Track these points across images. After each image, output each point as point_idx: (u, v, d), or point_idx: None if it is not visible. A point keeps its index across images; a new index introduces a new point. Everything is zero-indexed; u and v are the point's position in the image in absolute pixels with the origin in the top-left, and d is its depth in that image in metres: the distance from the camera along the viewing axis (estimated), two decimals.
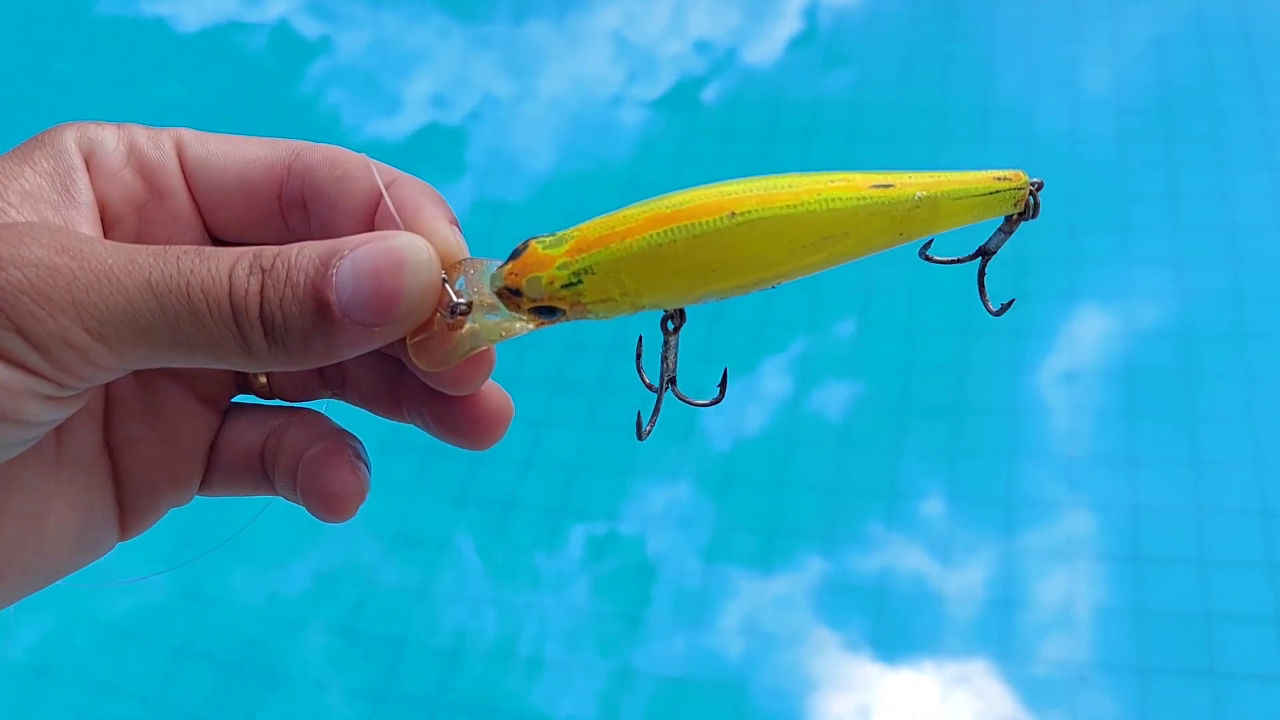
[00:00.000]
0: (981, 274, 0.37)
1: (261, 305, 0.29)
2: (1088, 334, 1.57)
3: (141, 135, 0.35)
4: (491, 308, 0.32)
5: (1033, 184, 0.34)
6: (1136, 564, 1.34)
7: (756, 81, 2.01)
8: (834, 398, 1.55)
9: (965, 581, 1.35)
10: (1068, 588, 1.33)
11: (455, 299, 0.31)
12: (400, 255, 0.30)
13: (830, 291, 1.68)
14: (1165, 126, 1.79)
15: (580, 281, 0.32)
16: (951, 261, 0.37)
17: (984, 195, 0.33)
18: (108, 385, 0.33)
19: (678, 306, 0.33)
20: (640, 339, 0.36)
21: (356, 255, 0.30)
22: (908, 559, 1.38)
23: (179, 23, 2.26)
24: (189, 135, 0.36)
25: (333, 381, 0.37)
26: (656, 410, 0.36)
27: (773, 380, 1.58)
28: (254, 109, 2.13)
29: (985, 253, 0.37)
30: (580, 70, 2.09)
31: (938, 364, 1.56)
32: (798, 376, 1.59)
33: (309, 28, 2.22)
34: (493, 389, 0.35)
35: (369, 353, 0.31)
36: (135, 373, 0.34)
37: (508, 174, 1.95)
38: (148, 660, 1.40)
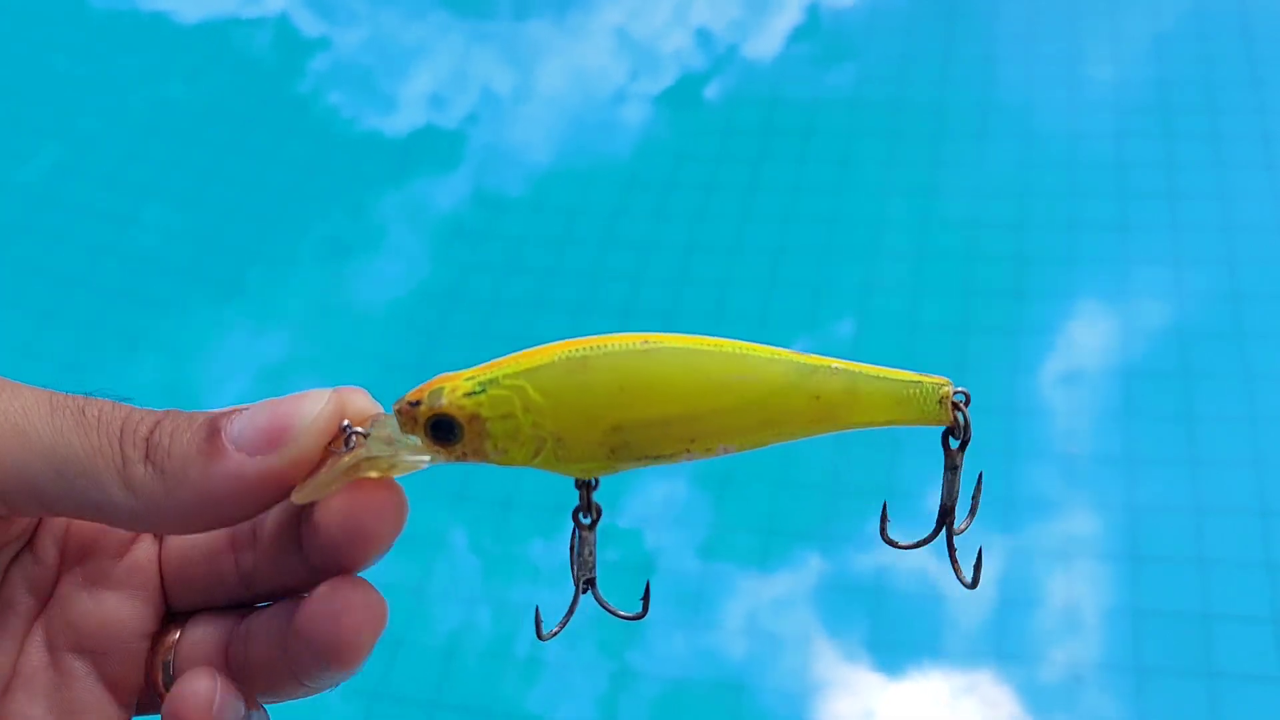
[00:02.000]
0: (950, 543, 0.34)
1: (152, 430, 0.29)
2: (1086, 332, 1.57)
3: None
4: (388, 442, 0.30)
5: (956, 391, 0.31)
6: (1135, 563, 1.34)
7: (756, 78, 2.01)
8: None
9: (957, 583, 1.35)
10: (1066, 587, 1.33)
11: (351, 428, 0.30)
12: (300, 396, 0.30)
13: (830, 289, 1.68)
14: (1164, 125, 1.79)
15: (483, 390, 0.30)
16: (915, 545, 0.35)
17: (903, 385, 0.32)
18: (17, 660, 0.32)
19: (585, 454, 0.31)
20: (574, 531, 0.34)
21: (259, 403, 0.29)
22: (909, 558, 1.38)
23: (177, 19, 2.26)
24: None
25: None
26: (570, 611, 0.34)
27: None
28: (253, 106, 2.12)
29: (945, 513, 0.34)
30: (580, 66, 2.09)
31: (936, 362, 1.56)
32: None
33: (308, 24, 2.22)
34: (367, 597, 0.31)
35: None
36: (47, 651, 0.32)
37: (507, 170, 1.94)
38: None
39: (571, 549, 0.33)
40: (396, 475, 0.30)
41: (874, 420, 0.32)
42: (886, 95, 1.94)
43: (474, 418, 0.29)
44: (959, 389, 0.31)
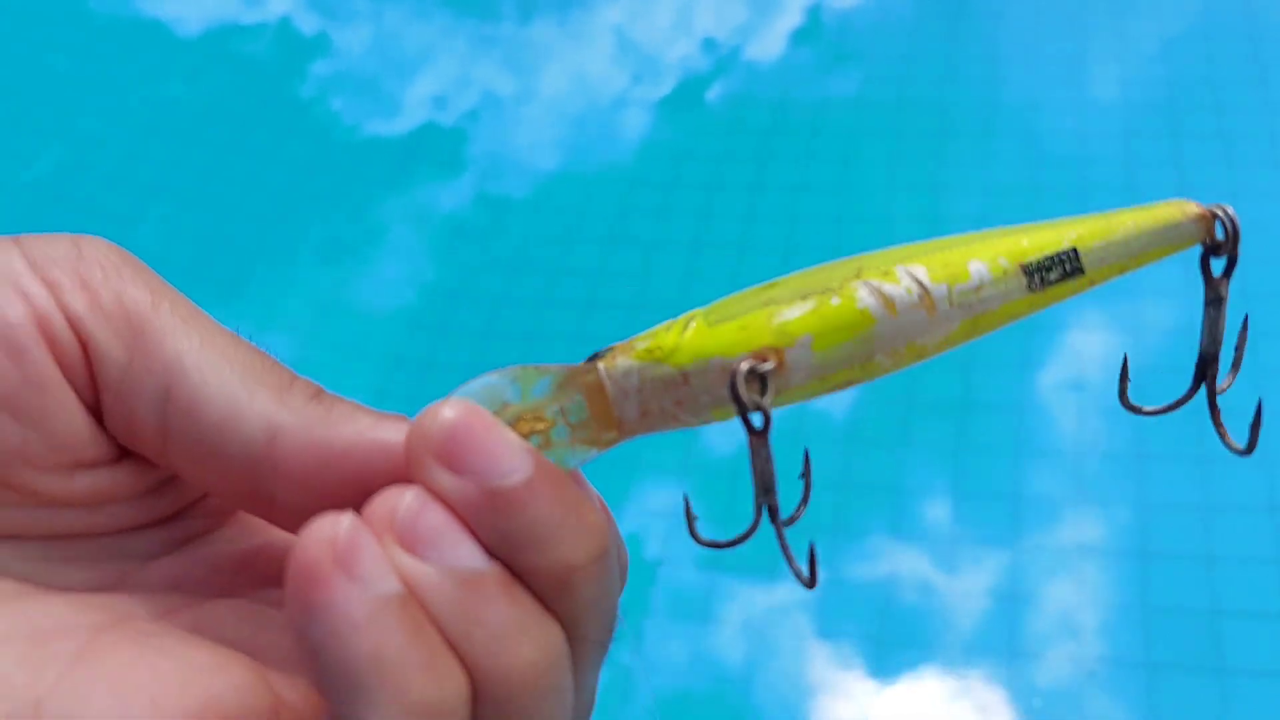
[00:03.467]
0: (1212, 398, 0.29)
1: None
2: (1094, 329, 1.56)
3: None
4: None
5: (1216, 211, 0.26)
6: (1144, 560, 1.33)
7: (760, 79, 2.01)
8: (837, 399, 1.54)
9: (972, 580, 1.35)
10: (1075, 584, 1.33)
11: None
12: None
13: None
14: (1171, 124, 1.78)
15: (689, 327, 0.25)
16: (1169, 409, 0.29)
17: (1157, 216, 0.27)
18: None
19: (745, 303, 0.26)
20: (686, 498, 0.29)
21: None
22: (912, 558, 1.38)
23: (180, 20, 2.26)
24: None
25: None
26: (785, 547, 0.27)
27: None
28: (256, 107, 2.13)
29: (1206, 362, 0.28)
30: (583, 68, 2.09)
31: (944, 360, 1.55)
32: None
33: (310, 26, 2.22)
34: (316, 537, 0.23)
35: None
36: None
37: (510, 173, 1.94)
38: None
39: (752, 463, 0.27)
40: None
41: (1088, 227, 0.27)
42: (892, 94, 1.94)
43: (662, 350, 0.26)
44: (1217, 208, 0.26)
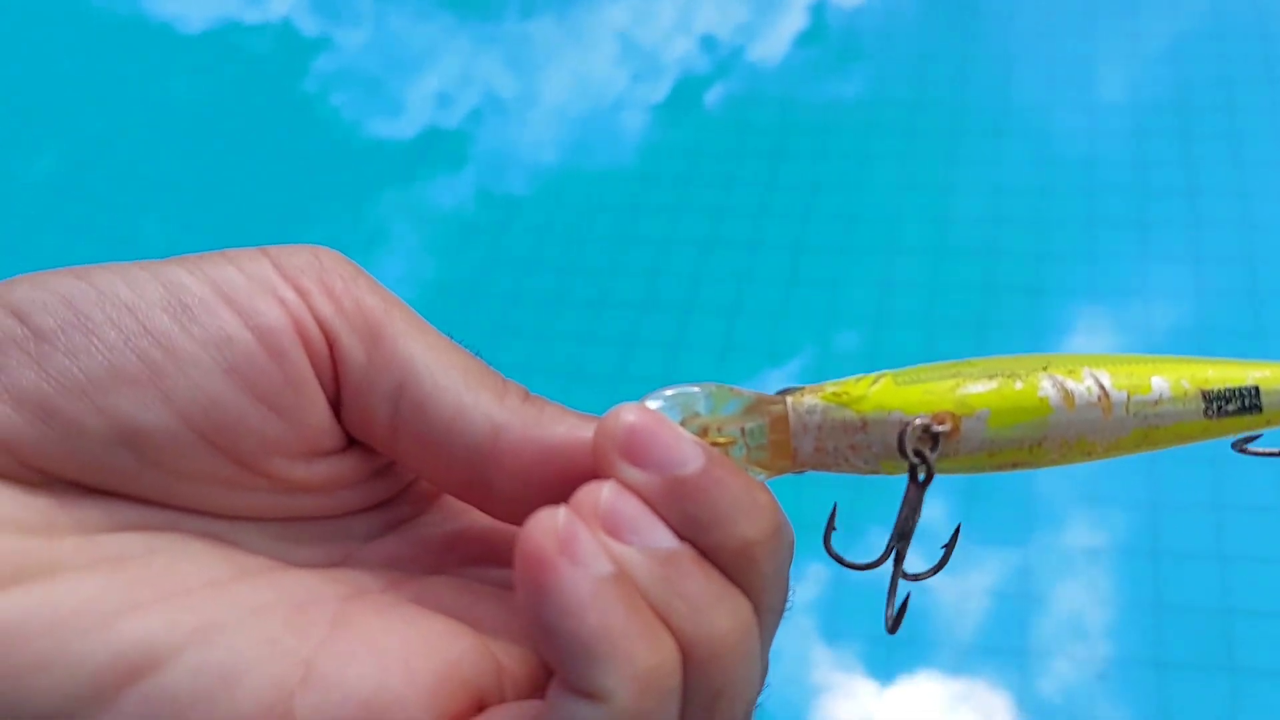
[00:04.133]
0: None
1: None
2: (1105, 330, 1.56)
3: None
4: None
5: None
6: (1155, 559, 1.33)
7: (769, 79, 2.01)
8: None
9: (979, 580, 1.35)
10: (1085, 584, 1.32)
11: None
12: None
13: (848, 286, 1.68)
14: (1182, 123, 1.78)
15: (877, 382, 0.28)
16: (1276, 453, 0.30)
17: None
18: None
19: (936, 371, 0.28)
20: (835, 506, 0.32)
21: None
22: (912, 559, 1.37)
23: (184, 20, 2.26)
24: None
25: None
26: (892, 592, 0.30)
27: (790, 380, 1.57)
28: (260, 107, 2.13)
29: None
30: (586, 68, 2.09)
31: (954, 358, 1.55)
32: (817, 375, 1.58)
33: (314, 25, 2.22)
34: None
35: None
36: None
37: (514, 171, 1.94)
38: None
39: (902, 513, 0.30)
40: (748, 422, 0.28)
41: (1273, 369, 0.28)
42: (904, 94, 1.94)
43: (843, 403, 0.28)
44: None
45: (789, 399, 0.27)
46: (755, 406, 0.27)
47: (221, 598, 0.24)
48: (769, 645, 0.28)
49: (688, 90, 2.02)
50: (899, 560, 0.29)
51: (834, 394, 0.27)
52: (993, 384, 0.27)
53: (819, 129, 1.90)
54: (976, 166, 1.80)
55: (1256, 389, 0.27)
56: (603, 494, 0.24)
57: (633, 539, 0.24)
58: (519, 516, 0.25)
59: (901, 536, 0.29)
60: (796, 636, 1.33)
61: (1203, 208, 1.66)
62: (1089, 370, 0.27)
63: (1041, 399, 0.26)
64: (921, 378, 0.27)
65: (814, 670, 1.31)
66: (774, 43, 2.06)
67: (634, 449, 0.25)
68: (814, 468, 0.28)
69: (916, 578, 0.31)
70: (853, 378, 0.27)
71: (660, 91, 2.02)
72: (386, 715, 0.23)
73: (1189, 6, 1.96)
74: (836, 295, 1.67)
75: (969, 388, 0.27)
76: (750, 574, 0.25)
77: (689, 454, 0.25)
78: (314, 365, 0.26)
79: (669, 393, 0.27)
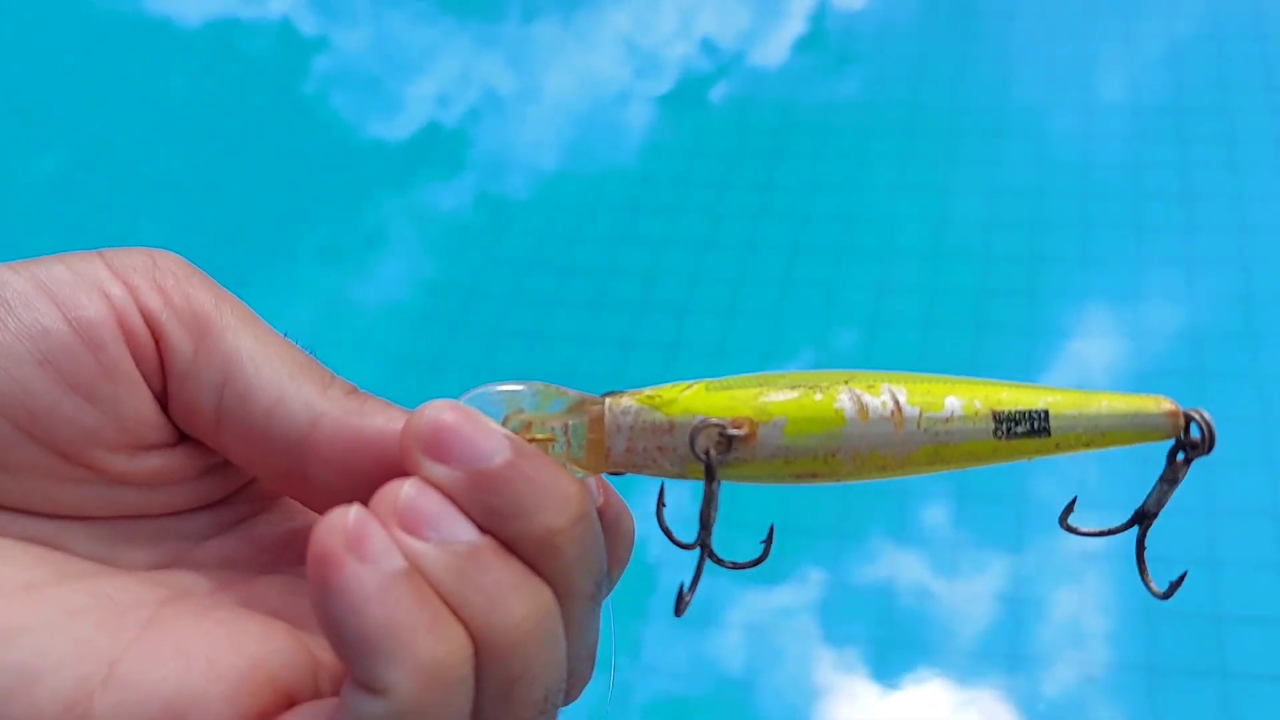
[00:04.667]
0: (1140, 546, 0.32)
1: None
2: (1099, 332, 1.56)
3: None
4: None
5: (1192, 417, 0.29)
6: (1148, 564, 1.33)
7: (769, 80, 2.01)
8: None
9: (975, 585, 1.35)
10: (1078, 588, 1.33)
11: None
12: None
13: (845, 288, 1.68)
14: (1179, 126, 1.78)
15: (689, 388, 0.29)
16: (1101, 534, 0.32)
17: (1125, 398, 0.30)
18: None
19: (743, 381, 0.28)
20: (662, 486, 0.33)
21: None
22: (915, 562, 1.38)
23: (183, 19, 2.27)
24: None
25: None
26: (696, 577, 0.31)
27: None
28: (261, 106, 2.13)
29: (1144, 517, 0.31)
30: (588, 68, 2.09)
31: (949, 362, 1.55)
32: None
33: (313, 25, 2.22)
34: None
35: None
36: None
37: (513, 172, 1.94)
38: None
39: (703, 506, 0.30)
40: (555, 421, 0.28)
41: (1065, 396, 0.30)
42: (902, 96, 1.94)
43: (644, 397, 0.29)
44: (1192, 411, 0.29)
45: (608, 400, 0.28)
46: (578, 406, 0.28)
47: (34, 600, 0.24)
48: (586, 633, 0.28)
49: (687, 91, 2.02)
50: (706, 549, 0.30)
51: (648, 397, 0.28)
52: (793, 394, 0.27)
53: (817, 130, 1.90)
54: (974, 168, 1.80)
55: (1046, 413, 0.28)
56: (402, 491, 0.25)
57: (430, 535, 0.24)
58: (349, 474, 0.26)
59: (704, 526, 0.30)
60: (797, 639, 1.34)
61: (1199, 211, 1.66)
62: (887, 386, 0.27)
63: (837, 410, 0.27)
64: (731, 386, 0.28)
65: (815, 673, 1.31)
66: (774, 45, 2.06)
67: (438, 445, 0.25)
68: (626, 469, 0.28)
69: (731, 565, 0.32)
70: (675, 384, 0.28)
71: (659, 93, 2.02)
72: (187, 714, 0.24)
73: (1186, 9, 1.96)
74: (833, 297, 1.67)
75: (770, 396, 0.27)
76: (554, 562, 0.26)
77: (494, 447, 0.25)
78: (136, 358, 0.26)
79: (493, 389, 0.27)
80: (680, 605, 0.31)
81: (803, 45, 2.05)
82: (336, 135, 2.03)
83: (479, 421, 0.26)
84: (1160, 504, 0.31)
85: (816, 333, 1.63)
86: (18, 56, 2.25)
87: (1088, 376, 1.51)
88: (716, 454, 0.28)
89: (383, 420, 0.27)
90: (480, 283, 1.79)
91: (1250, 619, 1.27)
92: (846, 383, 0.27)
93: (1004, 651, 1.29)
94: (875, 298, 1.66)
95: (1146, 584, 0.31)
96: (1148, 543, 0.31)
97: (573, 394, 0.28)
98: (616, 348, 1.65)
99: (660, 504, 0.33)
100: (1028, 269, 1.65)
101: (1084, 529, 0.32)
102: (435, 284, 1.80)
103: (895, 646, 1.32)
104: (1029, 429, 0.28)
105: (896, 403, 0.27)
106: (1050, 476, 1.42)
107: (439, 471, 0.25)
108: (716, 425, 0.27)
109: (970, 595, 1.33)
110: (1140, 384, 1.50)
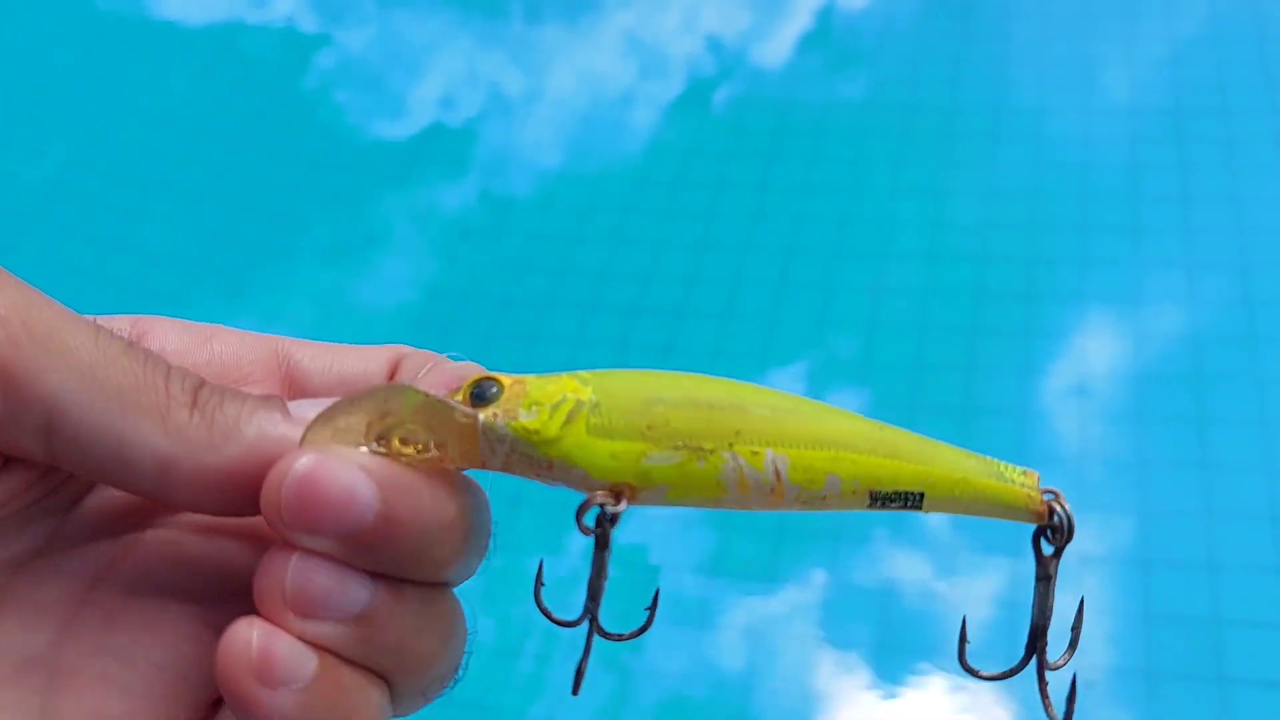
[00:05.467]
0: (1040, 670, 0.31)
1: (201, 383, 0.25)
2: (1098, 336, 1.56)
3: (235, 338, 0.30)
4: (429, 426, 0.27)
5: (1046, 491, 0.29)
6: (1145, 568, 1.33)
7: (767, 81, 2.01)
8: (843, 404, 1.54)
9: (974, 588, 1.35)
10: (1077, 591, 1.32)
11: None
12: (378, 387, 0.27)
13: (841, 290, 1.67)
14: (1177, 128, 1.78)
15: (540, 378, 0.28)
16: (1001, 676, 0.31)
17: (982, 460, 0.30)
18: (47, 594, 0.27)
19: (620, 425, 0.27)
20: (540, 565, 0.33)
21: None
22: (914, 564, 1.38)
23: (185, 17, 2.26)
24: (289, 341, 0.32)
25: None
26: (586, 651, 0.30)
27: (784, 383, 1.57)
28: (261, 104, 2.13)
29: (1035, 635, 0.31)
30: (590, 68, 2.09)
31: (947, 365, 1.55)
32: (810, 379, 1.58)
33: (316, 24, 2.22)
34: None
35: None
36: (107, 578, 0.27)
37: (515, 172, 1.94)
38: None
39: (592, 572, 0.30)
40: (423, 439, 0.26)
41: (947, 475, 0.29)
42: (899, 97, 1.94)
43: (517, 381, 0.27)
44: (1048, 489, 0.29)
45: (481, 417, 0.26)
46: (448, 417, 0.26)
47: None
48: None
49: (689, 92, 2.02)
50: (594, 622, 0.30)
51: (524, 428, 0.26)
52: (677, 458, 0.27)
53: (814, 132, 1.90)
54: (971, 170, 1.80)
55: (922, 495, 0.29)
56: (288, 577, 0.24)
57: (327, 614, 0.24)
58: (220, 511, 0.25)
59: (592, 598, 0.29)
60: (799, 641, 1.33)
61: (1198, 213, 1.66)
62: (771, 456, 0.27)
63: (719, 482, 0.27)
64: (614, 426, 0.27)
65: (816, 675, 1.31)
66: (777, 44, 2.06)
67: (304, 517, 0.24)
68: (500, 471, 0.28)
69: (618, 638, 0.31)
70: (554, 385, 0.27)
71: (661, 92, 2.02)
72: None
73: (1186, 11, 1.96)
74: (831, 298, 1.67)
75: (653, 459, 0.27)
76: (449, 572, 0.26)
77: (361, 505, 0.24)
78: None
79: (356, 398, 0.26)
80: (577, 683, 0.30)
81: (806, 43, 2.05)
82: (338, 135, 2.03)
83: (337, 476, 0.24)
84: (1046, 611, 0.31)
85: (812, 335, 1.63)
86: (18, 56, 2.25)
87: (1086, 381, 1.51)
88: (605, 527, 0.27)
89: (237, 446, 0.25)
90: (480, 282, 1.79)
91: (1249, 623, 1.26)
92: (731, 446, 0.27)
93: (1004, 655, 1.29)
94: (872, 300, 1.66)
95: (1046, 707, 0.31)
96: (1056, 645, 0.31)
97: (444, 401, 0.26)
98: (613, 348, 1.64)
99: (539, 583, 0.33)
100: (1026, 271, 1.65)
101: (984, 673, 0.32)
102: (436, 284, 1.80)
103: (896, 649, 1.32)
104: (901, 505, 0.29)
105: (778, 476, 0.27)
106: (1048, 478, 1.42)
107: (315, 543, 0.24)
108: (601, 500, 0.27)
109: (970, 598, 1.33)
110: (1141, 387, 1.50)
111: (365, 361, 0.31)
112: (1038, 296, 1.61)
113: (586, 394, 0.27)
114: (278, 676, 0.24)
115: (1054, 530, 0.30)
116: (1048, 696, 0.31)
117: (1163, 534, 1.35)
